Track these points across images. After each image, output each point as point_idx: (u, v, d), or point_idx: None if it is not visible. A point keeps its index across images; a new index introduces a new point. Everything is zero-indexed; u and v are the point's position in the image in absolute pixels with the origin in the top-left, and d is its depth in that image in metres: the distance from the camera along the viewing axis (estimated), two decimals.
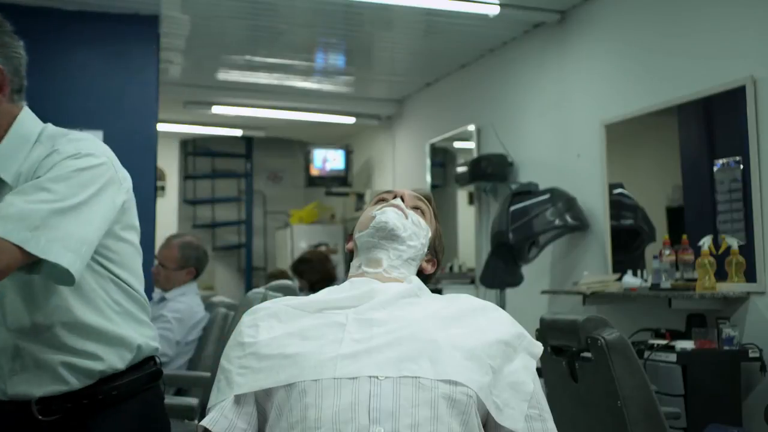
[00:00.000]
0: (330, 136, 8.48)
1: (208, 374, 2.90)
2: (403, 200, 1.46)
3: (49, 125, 1.52)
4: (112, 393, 1.47)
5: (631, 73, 4.03)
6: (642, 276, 3.74)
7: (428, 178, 6.25)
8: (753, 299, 3.20)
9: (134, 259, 1.55)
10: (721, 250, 3.25)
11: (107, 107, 4.36)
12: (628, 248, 4.08)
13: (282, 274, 5.65)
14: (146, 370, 1.54)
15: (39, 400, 1.42)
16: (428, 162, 6.27)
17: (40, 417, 1.42)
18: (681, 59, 3.66)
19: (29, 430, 1.43)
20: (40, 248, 1.27)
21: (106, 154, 1.46)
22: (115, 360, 1.47)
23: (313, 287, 4.75)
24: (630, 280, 3.69)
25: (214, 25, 4.91)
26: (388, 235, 1.38)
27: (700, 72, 3.53)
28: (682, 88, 3.62)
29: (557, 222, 4.27)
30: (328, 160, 7.93)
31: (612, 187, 4.16)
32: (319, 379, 1.15)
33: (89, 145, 1.43)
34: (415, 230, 1.42)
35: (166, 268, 3.50)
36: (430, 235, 1.46)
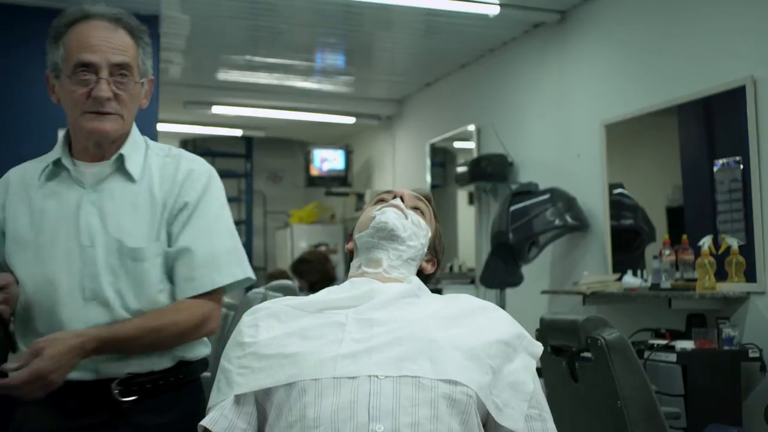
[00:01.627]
0: (330, 136, 8.48)
1: (208, 374, 2.90)
2: (402, 200, 1.45)
3: None
4: (185, 378, 1.56)
5: (631, 73, 4.02)
6: (642, 276, 3.74)
7: (428, 178, 6.25)
8: (753, 299, 3.19)
9: None
10: (721, 250, 3.25)
11: None
12: (628, 248, 4.08)
13: (282, 274, 5.65)
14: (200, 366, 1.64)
15: (121, 381, 1.45)
16: (428, 162, 6.27)
17: (120, 399, 1.45)
18: (681, 59, 3.66)
19: (105, 411, 1.45)
20: (243, 275, 1.55)
21: None
22: (195, 348, 1.59)
23: (312, 287, 4.75)
24: (630, 280, 3.68)
25: (214, 25, 4.91)
26: (388, 236, 1.38)
27: (700, 72, 3.53)
28: (682, 88, 3.62)
29: (557, 222, 4.27)
30: (327, 160, 7.92)
31: (612, 187, 4.15)
32: (319, 378, 1.15)
33: (199, 157, 1.65)
34: (414, 230, 1.41)
35: None
36: (429, 235, 1.46)
